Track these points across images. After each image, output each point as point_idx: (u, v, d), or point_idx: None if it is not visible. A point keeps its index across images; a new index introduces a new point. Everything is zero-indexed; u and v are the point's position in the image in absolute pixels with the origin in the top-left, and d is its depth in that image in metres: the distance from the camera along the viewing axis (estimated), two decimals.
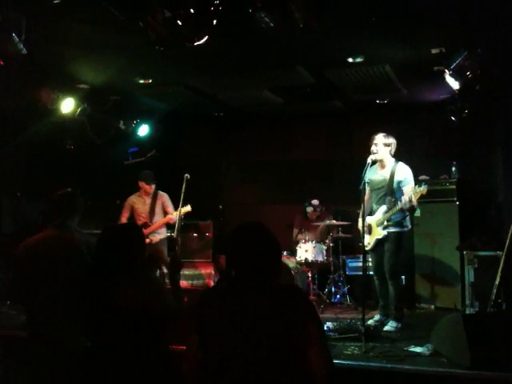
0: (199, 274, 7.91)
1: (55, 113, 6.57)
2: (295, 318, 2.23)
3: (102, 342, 2.85)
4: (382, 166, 5.73)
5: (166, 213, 6.96)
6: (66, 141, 7.46)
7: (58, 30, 4.92)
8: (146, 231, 6.48)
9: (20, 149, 6.82)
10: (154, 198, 7.00)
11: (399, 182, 5.58)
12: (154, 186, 6.99)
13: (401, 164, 5.68)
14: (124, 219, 6.95)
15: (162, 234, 7.05)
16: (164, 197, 7.06)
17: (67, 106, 6.68)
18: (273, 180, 9.00)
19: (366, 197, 5.84)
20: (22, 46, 4.31)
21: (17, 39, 4.26)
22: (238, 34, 4.94)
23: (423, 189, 5.28)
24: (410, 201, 5.31)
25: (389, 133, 5.75)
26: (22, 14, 4.31)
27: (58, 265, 3.32)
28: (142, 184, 6.96)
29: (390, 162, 5.70)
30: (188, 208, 6.71)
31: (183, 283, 6.58)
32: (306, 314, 2.27)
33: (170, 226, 7.54)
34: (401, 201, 5.40)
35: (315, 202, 7.88)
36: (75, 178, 7.03)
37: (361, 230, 5.70)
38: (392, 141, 5.68)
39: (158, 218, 6.94)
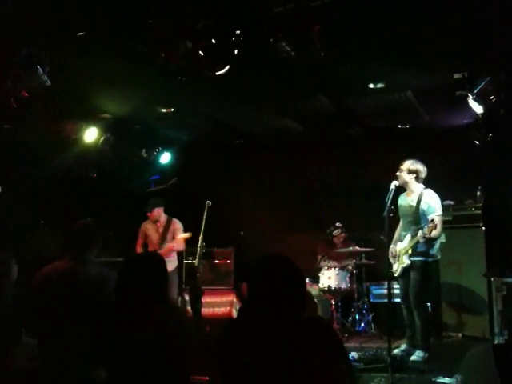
0: (221, 302, 7.83)
1: (79, 142, 6.68)
2: (322, 352, 2.16)
3: (122, 374, 2.81)
4: (409, 193, 5.68)
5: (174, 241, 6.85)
6: (89, 169, 7.53)
7: (82, 62, 5.01)
8: None
9: (44, 178, 6.91)
10: (167, 225, 6.89)
11: (424, 211, 5.51)
12: (157, 213, 6.88)
13: (428, 191, 5.60)
14: (139, 245, 6.94)
15: (173, 262, 6.88)
16: (176, 224, 6.92)
17: (91, 135, 6.79)
18: (294, 207, 8.93)
19: (400, 223, 5.84)
20: (46, 78, 4.40)
21: (41, 71, 4.35)
22: (259, 63, 4.98)
23: (431, 226, 5.18)
24: (424, 236, 5.26)
25: (411, 158, 5.71)
26: (47, 47, 4.41)
27: (67, 296, 3.30)
28: (149, 216, 6.92)
29: (417, 188, 5.64)
30: (186, 235, 6.70)
31: (205, 311, 6.50)
32: (333, 348, 2.20)
33: (191, 253, 7.52)
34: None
35: (339, 224, 7.82)
36: (98, 205, 7.09)
37: (390, 257, 5.67)
38: (418, 167, 5.62)
39: (167, 245, 6.82)
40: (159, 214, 6.93)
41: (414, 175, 5.61)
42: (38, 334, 3.45)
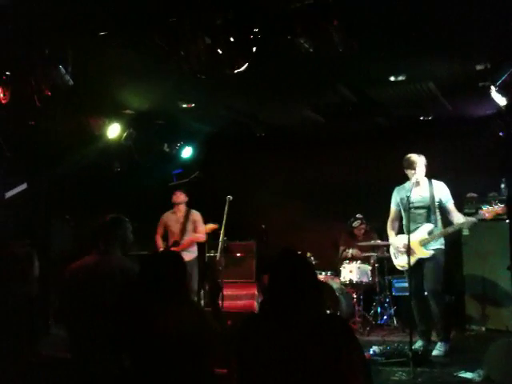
0: (243, 295, 7.89)
1: (102, 138, 6.79)
2: (336, 348, 2.19)
3: (145, 367, 2.87)
4: (417, 185, 5.63)
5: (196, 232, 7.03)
6: (113, 164, 7.66)
7: (105, 60, 5.09)
8: (176, 249, 6.48)
9: (69, 172, 7.04)
10: (187, 216, 7.06)
11: (441, 199, 5.58)
12: (183, 198, 7.07)
13: (436, 181, 5.68)
14: (159, 236, 7.08)
15: (193, 253, 7.03)
16: (196, 215, 7.09)
17: (114, 131, 6.90)
18: (315, 199, 8.92)
19: (393, 216, 5.86)
20: (68, 78, 4.48)
21: (64, 71, 4.42)
22: (278, 57, 4.98)
23: (498, 208, 5.30)
24: (475, 223, 5.39)
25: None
26: (70, 46, 4.48)
27: (94, 289, 3.40)
28: (174, 195, 7.08)
29: (423, 180, 5.68)
30: (213, 226, 6.84)
31: (226, 304, 6.55)
32: (347, 343, 2.23)
33: (212, 247, 7.60)
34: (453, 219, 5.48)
35: (359, 215, 7.84)
36: (121, 199, 7.20)
37: (394, 251, 5.73)
38: (425, 160, 5.67)
39: (189, 237, 7.00)
40: (183, 200, 7.07)
41: (425, 167, 5.67)
42: (68, 326, 3.54)
